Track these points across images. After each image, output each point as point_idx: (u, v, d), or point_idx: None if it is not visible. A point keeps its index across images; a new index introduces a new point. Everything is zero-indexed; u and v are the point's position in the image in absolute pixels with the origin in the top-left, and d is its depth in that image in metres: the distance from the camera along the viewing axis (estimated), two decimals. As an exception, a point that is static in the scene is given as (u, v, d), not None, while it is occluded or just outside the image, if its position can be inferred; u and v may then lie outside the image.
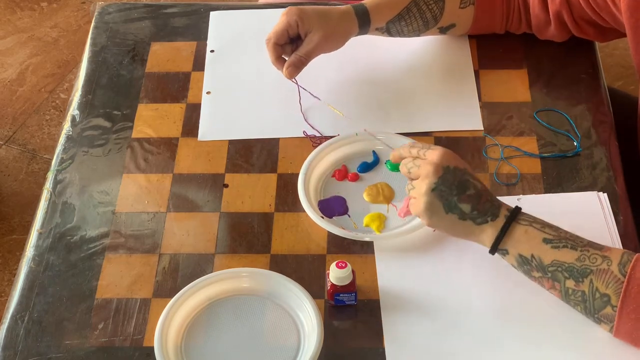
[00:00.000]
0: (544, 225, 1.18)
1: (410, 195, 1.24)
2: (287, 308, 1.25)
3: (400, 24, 1.48)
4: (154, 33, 1.67)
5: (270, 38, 1.44)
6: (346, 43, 1.49)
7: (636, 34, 1.40)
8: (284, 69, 1.44)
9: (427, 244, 1.31)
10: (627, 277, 1.12)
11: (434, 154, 1.21)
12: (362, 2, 1.48)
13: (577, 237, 1.18)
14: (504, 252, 1.19)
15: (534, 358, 1.20)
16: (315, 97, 1.48)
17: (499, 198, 1.35)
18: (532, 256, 1.17)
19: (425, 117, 1.49)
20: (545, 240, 1.17)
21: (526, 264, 1.18)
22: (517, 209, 1.20)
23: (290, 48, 1.46)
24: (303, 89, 1.49)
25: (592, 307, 1.15)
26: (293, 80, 1.47)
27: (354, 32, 1.48)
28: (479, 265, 1.28)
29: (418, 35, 1.54)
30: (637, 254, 1.14)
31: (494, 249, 1.19)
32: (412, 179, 1.24)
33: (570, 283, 1.15)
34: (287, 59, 1.45)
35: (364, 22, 1.47)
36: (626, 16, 1.38)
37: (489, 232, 1.19)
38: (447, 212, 1.19)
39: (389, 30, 1.49)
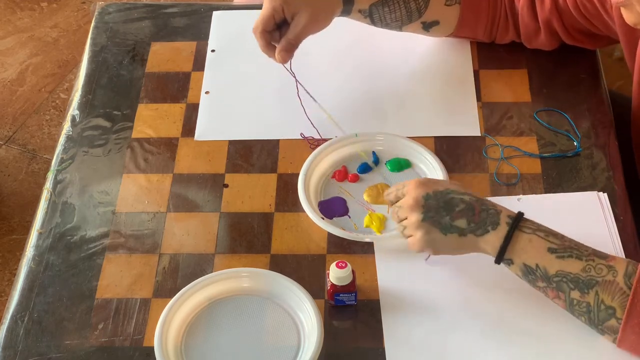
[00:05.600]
0: (548, 233, 1.17)
1: (405, 234, 1.23)
2: (287, 308, 1.25)
3: (383, 9, 1.46)
4: (154, 33, 1.67)
5: (257, 26, 1.41)
6: (344, 31, 1.45)
7: (629, 40, 1.40)
8: (276, 55, 1.42)
9: (427, 244, 1.31)
10: (632, 290, 1.11)
11: (410, 188, 1.22)
12: None
13: (582, 245, 1.16)
14: (509, 262, 1.17)
15: (534, 358, 1.20)
16: (311, 96, 1.47)
17: (499, 198, 1.35)
18: (537, 266, 1.15)
19: (423, 119, 1.49)
20: (550, 250, 1.15)
21: (531, 273, 1.16)
22: (520, 215, 1.18)
23: (279, 34, 1.43)
24: (301, 85, 1.47)
25: (596, 318, 1.14)
26: (291, 72, 1.45)
27: (338, 9, 1.45)
28: (480, 265, 1.28)
29: (400, 28, 1.51)
30: None
31: (499, 259, 1.17)
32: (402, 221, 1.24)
33: (575, 294, 1.14)
34: (276, 45, 1.43)
35: (348, 0, 1.44)
36: (619, 22, 1.38)
37: (493, 242, 1.17)
38: (445, 234, 1.18)
39: (371, 14, 1.47)
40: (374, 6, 1.45)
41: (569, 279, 1.14)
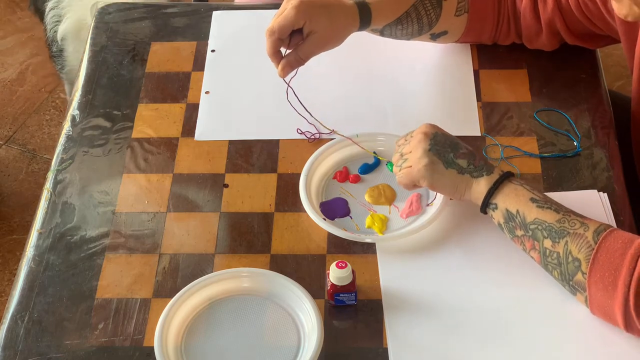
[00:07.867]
0: (534, 188, 1.25)
1: (402, 167, 1.30)
2: (287, 308, 1.25)
3: (396, 27, 1.46)
4: (154, 33, 1.67)
5: (274, 32, 1.37)
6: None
7: (629, 39, 1.40)
8: (280, 68, 1.40)
9: (430, 245, 1.31)
10: (597, 245, 1.16)
11: (420, 127, 1.32)
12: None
13: (563, 205, 1.22)
14: (494, 207, 1.25)
15: (537, 358, 1.20)
16: (306, 109, 1.45)
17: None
18: (518, 212, 1.22)
19: (423, 119, 1.49)
20: (532, 200, 1.22)
21: (511, 220, 1.23)
22: (511, 172, 1.27)
23: (288, 40, 1.40)
24: (296, 96, 1.46)
25: (566, 272, 1.18)
26: (285, 81, 1.44)
27: (353, 31, 1.44)
28: (482, 265, 1.28)
29: (408, 40, 1.51)
30: (614, 227, 1.17)
31: (485, 201, 1.25)
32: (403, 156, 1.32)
33: (547, 243, 1.19)
34: (281, 51, 1.40)
35: (364, 23, 1.43)
36: (619, 22, 1.38)
37: (483, 186, 1.26)
38: (446, 167, 1.27)
39: (382, 32, 1.47)
40: (388, 26, 1.45)
41: (543, 227, 1.20)
